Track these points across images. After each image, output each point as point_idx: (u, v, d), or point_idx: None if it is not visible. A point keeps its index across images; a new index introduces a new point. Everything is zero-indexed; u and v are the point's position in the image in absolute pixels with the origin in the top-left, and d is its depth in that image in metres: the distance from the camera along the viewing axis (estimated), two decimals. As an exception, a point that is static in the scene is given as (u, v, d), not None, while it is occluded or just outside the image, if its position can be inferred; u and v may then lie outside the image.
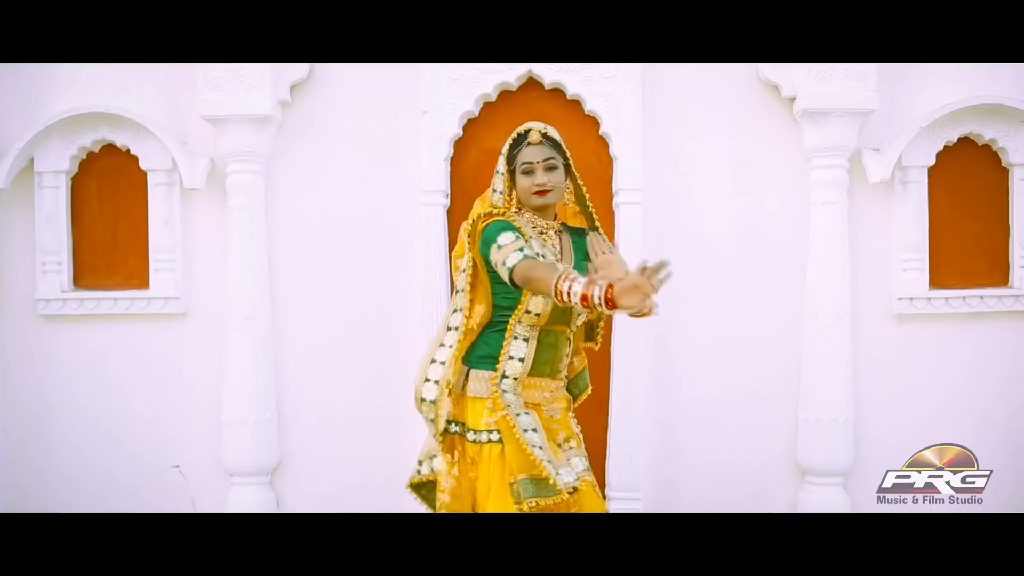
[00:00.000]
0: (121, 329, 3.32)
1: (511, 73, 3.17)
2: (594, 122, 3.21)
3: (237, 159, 3.17)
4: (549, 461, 2.11)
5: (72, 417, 3.35)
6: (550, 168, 2.25)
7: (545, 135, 2.28)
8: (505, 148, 2.33)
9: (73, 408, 3.35)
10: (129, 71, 3.27)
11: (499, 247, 2.12)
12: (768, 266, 3.28)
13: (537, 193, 2.25)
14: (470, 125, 3.23)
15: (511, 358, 2.22)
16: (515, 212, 2.30)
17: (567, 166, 2.33)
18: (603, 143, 3.23)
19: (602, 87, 3.16)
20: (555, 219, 2.38)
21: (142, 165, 3.24)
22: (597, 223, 2.45)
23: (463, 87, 3.17)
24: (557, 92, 3.23)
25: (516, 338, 2.23)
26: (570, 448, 2.28)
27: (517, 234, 2.15)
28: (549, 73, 3.17)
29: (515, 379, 2.21)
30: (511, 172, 2.31)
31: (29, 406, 3.35)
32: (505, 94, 3.25)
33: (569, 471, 2.17)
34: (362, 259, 3.29)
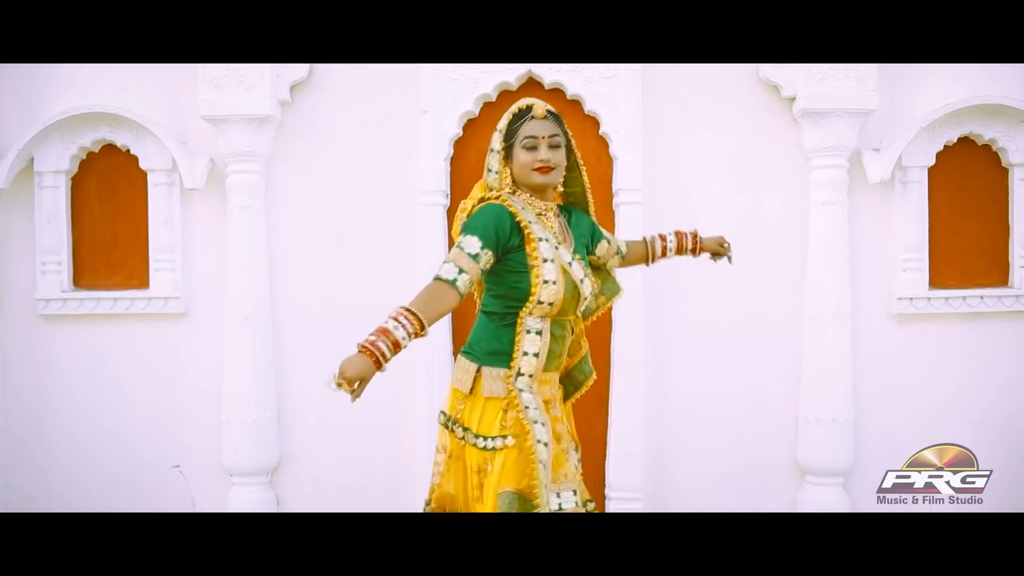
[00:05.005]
0: (121, 329, 3.32)
1: (511, 73, 3.17)
2: (594, 122, 3.21)
3: (237, 159, 3.17)
4: (547, 485, 1.99)
5: (72, 417, 3.35)
6: (554, 146, 2.07)
7: (551, 112, 2.10)
8: (503, 123, 2.12)
9: (73, 408, 3.35)
10: (129, 71, 3.27)
11: (456, 246, 1.96)
12: (768, 266, 3.29)
13: (539, 170, 2.06)
14: (470, 125, 3.23)
15: (525, 354, 2.04)
16: (508, 193, 2.10)
17: (568, 148, 2.16)
18: (603, 143, 3.23)
19: (602, 87, 3.16)
20: (554, 199, 2.22)
21: (142, 165, 3.24)
22: (591, 209, 2.32)
23: (463, 87, 3.17)
24: (557, 92, 3.23)
25: (528, 332, 2.04)
26: (577, 457, 2.17)
27: (484, 244, 1.95)
28: (549, 73, 3.17)
29: (531, 376, 2.04)
30: (507, 148, 2.10)
31: (29, 406, 3.35)
32: (505, 94, 3.25)
33: (570, 496, 2.07)
34: (362, 259, 3.29)
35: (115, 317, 3.30)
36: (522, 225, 2.03)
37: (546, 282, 2.00)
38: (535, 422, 2.00)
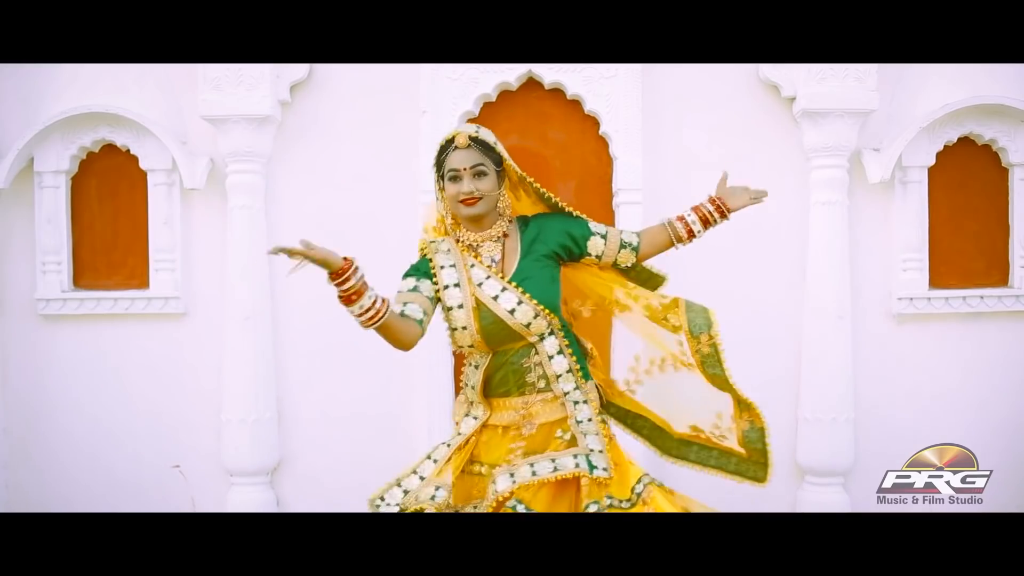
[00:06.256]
0: (121, 329, 3.32)
1: (511, 73, 3.17)
2: (594, 122, 3.21)
3: (237, 159, 3.18)
4: (405, 478, 2.11)
5: (72, 417, 3.35)
6: (479, 175, 2.05)
7: (475, 139, 2.05)
8: (434, 154, 2.12)
9: (73, 408, 3.35)
10: (129, 71, 3.27)
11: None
12: (768, 266, 3.29)
13: (463, 202, 2.06)
14: (470, 125, 3.23)
15: (465, 385, 2.21)
16: (450, 225, 2.16)
17: (501, 172, 2.11)
18: (603, 143, 3.23)
19: (602, 87, 3.16)
20: (500, 223, 2.15)
21: (142, 165, 3.24)
22: (568, 209, 2.22)
23: (463, 87, 3.17)
24: (557, 92, 3.23)
25: (469, 366, 2.20)
26: (542, 456, 2.11)
27: (414, 282, 2.14)
28: (549, 73, 3.16)
29: (470, 403, 2.19)
30: (440, 179, 2.12)
31: (29, 406, 3.35)
32: (505, 94, 3.25)
33: (442, 490, 2.04)
34: (362, 259, 3.27)
35: (115, 317, 3.30)
36: (434, 271, 2.14)
37: (454, 329, 2.13)
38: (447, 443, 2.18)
